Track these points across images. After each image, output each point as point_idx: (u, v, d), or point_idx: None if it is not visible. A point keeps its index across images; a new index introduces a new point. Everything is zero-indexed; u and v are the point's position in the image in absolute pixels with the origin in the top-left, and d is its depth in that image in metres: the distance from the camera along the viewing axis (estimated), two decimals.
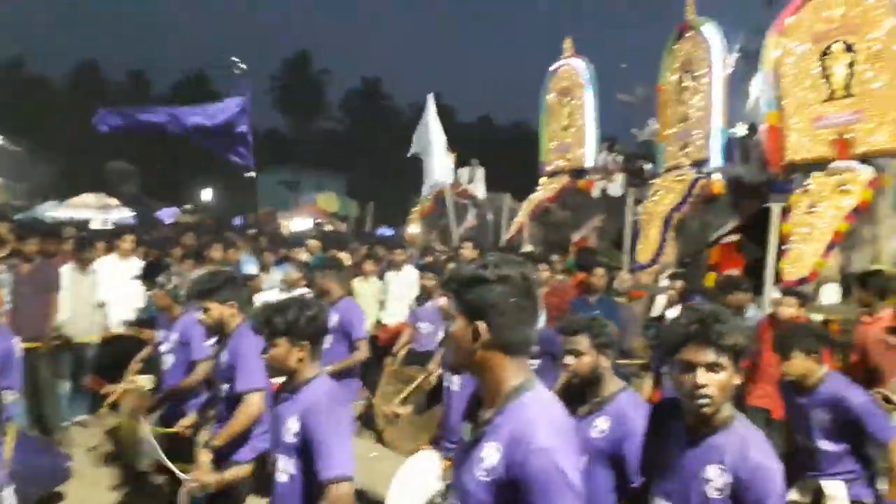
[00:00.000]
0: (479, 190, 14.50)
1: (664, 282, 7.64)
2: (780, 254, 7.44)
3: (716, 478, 2.05)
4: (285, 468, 2.52)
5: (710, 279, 8.91)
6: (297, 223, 21.86)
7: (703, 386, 2.05)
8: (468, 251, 8.72)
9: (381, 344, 7.38)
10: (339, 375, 4.80)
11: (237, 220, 19.37)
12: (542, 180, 12.64)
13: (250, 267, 8.46)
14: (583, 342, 2.87)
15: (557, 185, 12.23)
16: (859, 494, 3.44)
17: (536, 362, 4.00)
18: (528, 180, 13.16)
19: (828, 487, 3.43)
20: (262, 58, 54.86)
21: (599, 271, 6.63)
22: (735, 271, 9.13)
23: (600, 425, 2.75)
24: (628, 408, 2.77)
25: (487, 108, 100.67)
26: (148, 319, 6.05)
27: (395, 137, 47.70)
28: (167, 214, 21.39)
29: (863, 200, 7.34)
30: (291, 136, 53.40)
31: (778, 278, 7.04)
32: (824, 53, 7.92)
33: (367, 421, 6.62)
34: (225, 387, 3.58)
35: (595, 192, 12.34)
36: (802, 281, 7.05)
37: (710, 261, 10.00)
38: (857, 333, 5.34)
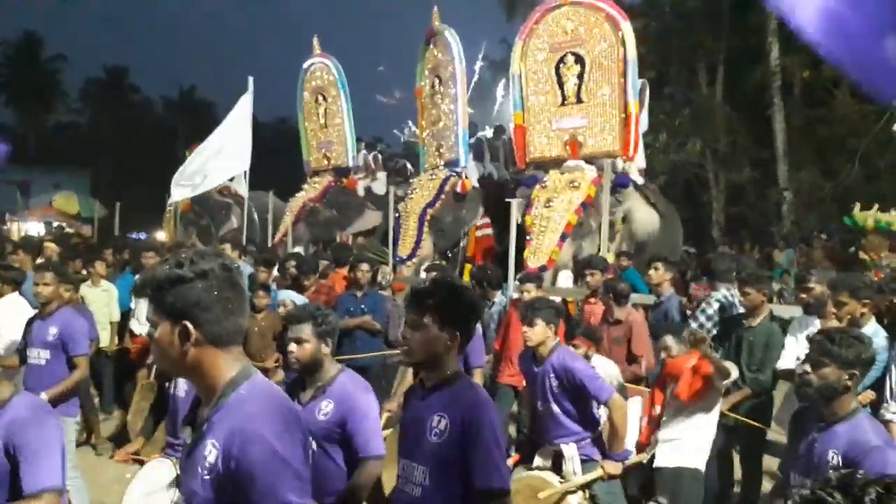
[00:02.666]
0: (242, 188, 14.00)
1: (423, 274, 8.04)
2: (524, 244, 8.23)
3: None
4: None
5: (467, 271, 9.59)
6: (30, 227, 19.42)
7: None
8: (229, 252, 8.40)
9: (133, 356, 6.87)
10: (58, 399, 4.38)
11: None
12: (309, 180, 12.61)
13: None
14: (306, 330, 2.99)
15: (321, 184, 12.28)
16: (589, 453, 3.95)
17: None
18: (291, 178, 12.99)
19: (564, 449, 3.90)
20: None
21: (364, 266, 6.80)
22: (488, 262, 9.90)
23: (324, 408, 2.91)
24: (349, 387, 2.96)
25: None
26: None
27: (146, 133, 44.36)
28: None
29: (588, 195, 8.38)
30: (20, 131, 47.06)
31: (522, 266, 7.76)
32: (560, 62, 8.89)
33: (121, 440, 6.13)
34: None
35: (360, 191, 12.57)
36: (542, 269, 7.86)
37: (468, 253, 10.74)
38: (585, 312, 6.18)
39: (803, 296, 4.82)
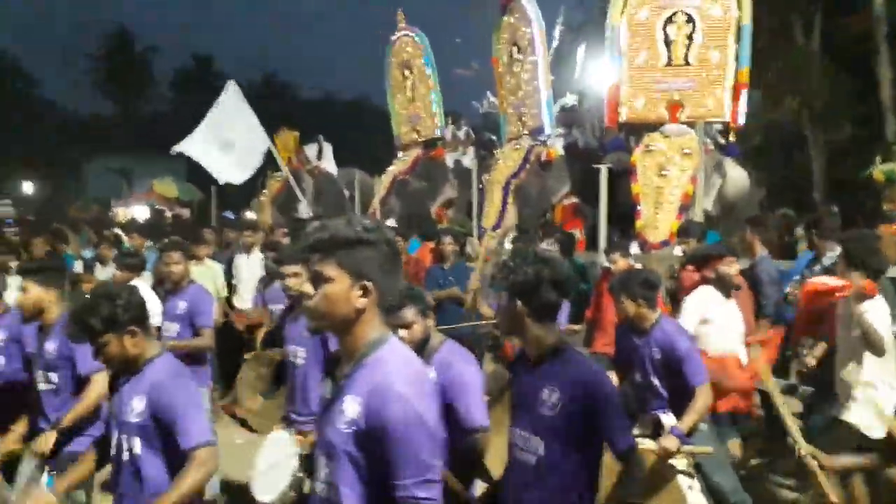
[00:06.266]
0: (331, 166, 14.32)
1: (508, 245, 8.02)
2: (634, 215, 7.99)
3: None
4: (131, 447, 2.54)
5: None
6: (133, 211, 20.56)
7: None
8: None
9: (240, 331, 7.18)
10: (182, 355, 4.68)
11: None
12: (399, 154, 12.77)
13: (76, 263, 7.88)
14: (409, 314, 3.06)
15: (411, 157, 12.40)
16: None
17: None
18: (373, 154, 13.17)
19: (663, 419, 3.84)
20: (78, 35, 50.43)
21: (447, 239, 6.85)
22: (576, 231, 9.76)
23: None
24: (451, 357, 3.06)
25: (327, 82, 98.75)
26: None
27: None
28: None
29: (698, 163, 8.05)
30: (118, 120, 49.57)
31: (626, 235, 7.56)
32: (668, 21, 8.45)
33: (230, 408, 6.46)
34: (52, 375, 3.56)
35: (449, 163, 12.63)
36: (665, 243, 7.66)
37: (555, 222, 10.63)
38: (682, 279, 5.98)
39: None
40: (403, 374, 1.68)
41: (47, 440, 3.40)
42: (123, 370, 2.69)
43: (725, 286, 4.43)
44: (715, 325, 4.39)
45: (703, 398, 3.75)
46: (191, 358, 4.86)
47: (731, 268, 4.40)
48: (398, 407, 1.62)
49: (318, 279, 1.74)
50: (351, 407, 1.68)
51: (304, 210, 12.55)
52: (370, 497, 1.66)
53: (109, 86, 50.75)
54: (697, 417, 3.74)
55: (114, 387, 2.78)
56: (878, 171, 9.08)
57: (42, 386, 3.63)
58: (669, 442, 3.53)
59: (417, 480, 1.60)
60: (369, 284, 1.72)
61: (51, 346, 3.55)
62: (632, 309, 3.90)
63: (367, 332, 1.75)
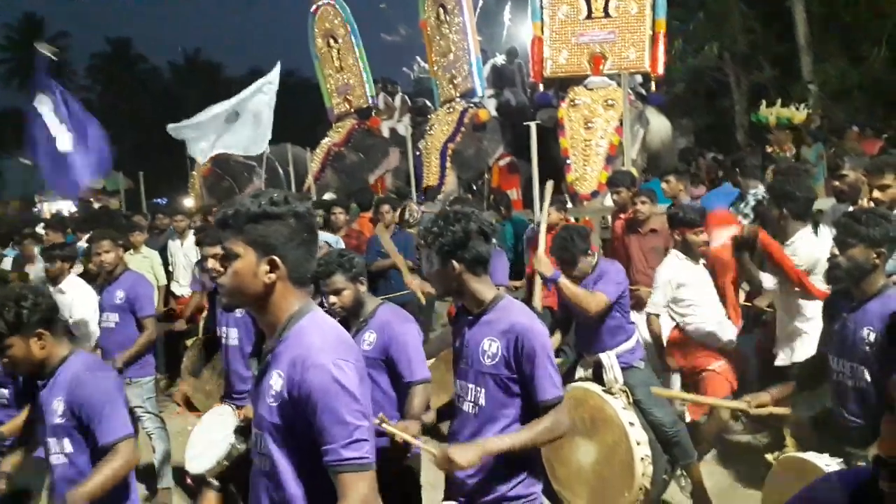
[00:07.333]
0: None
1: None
2: (563, 168, 8.10)
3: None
4: (60, 450, 2.55)
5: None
6: (59, 205, 19.79)
7: None
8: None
9: (180, 316, 7.06)
10: (131, 361, 4.64)
11: None
12: (334, 125, 12.59)
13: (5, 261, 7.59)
14: (338, 279, 3.11)
15: (345, 128, 12.24)
16: (628, 360, 4.03)
17: None
18: (305, 128, 12.95)
19: (603, 359, 3.99)
20: None
21: (385, 207, 6.84)
22: (513, 190, 9.85)
23: (367, 338, 3.10)
24: (388, 318, 3.14)
25: (252, 59, 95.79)
26: None
27: (156, 100, 44.21)
28: None
29: (622, 114, 8.20)
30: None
31: (561, 191, 7.67)
32: None
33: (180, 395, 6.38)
34: (3, 391, 3.51)
35: (384, 132, 12.53)
36: (595, 194, 7.79)
37: (493, 184, 10.71)
38: (615, 227, 6.14)
39: (836, 183, 4.70)
40: (320, 343, 1.70)
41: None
42: (34, 374, 2.64)
43: (693, 253, 4.48)
44: (690, 287, 4.42)
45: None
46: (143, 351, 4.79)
47: (699, 237, 4.45)
48: (315, 375, 1.65)
49: (227, 256, 1.75)
50: (276, 381, 1.71)
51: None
52: (304, 465, 1.71)
53: (23, 77, 48.22)
54: None
55: (32, 392, 2.72)
56: (771, 113, 9.44)
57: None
58: None
59: (345, 442, 1.63)
60: (277, 259, 1.72)
61: None
62: (585, 266, 4.05)
63: (284, 306, 1.77)
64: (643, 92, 9.15)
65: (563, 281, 3.94)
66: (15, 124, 43.17)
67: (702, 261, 4.52)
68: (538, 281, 4.49)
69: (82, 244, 7.43)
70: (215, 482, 2.08)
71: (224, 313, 3.86)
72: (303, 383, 1.65)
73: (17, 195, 24.60)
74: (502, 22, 14.67)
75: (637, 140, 8.50)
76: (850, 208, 4.54)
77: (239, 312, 3.65)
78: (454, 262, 2.41)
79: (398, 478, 2.90)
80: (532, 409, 2.39)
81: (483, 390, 2.42)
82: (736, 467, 4.59)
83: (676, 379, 4.63)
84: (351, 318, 3.17)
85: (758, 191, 5.59)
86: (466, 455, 2.26)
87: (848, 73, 15.64)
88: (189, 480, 3.34)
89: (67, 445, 2.53)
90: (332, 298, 3.12)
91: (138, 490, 2.79)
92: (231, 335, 3.83)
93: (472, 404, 2.46)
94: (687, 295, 4.42)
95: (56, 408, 2.52)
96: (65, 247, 5.87)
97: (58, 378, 2.56)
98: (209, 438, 3.15)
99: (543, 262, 4.01)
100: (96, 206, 17.36)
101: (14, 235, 8.92)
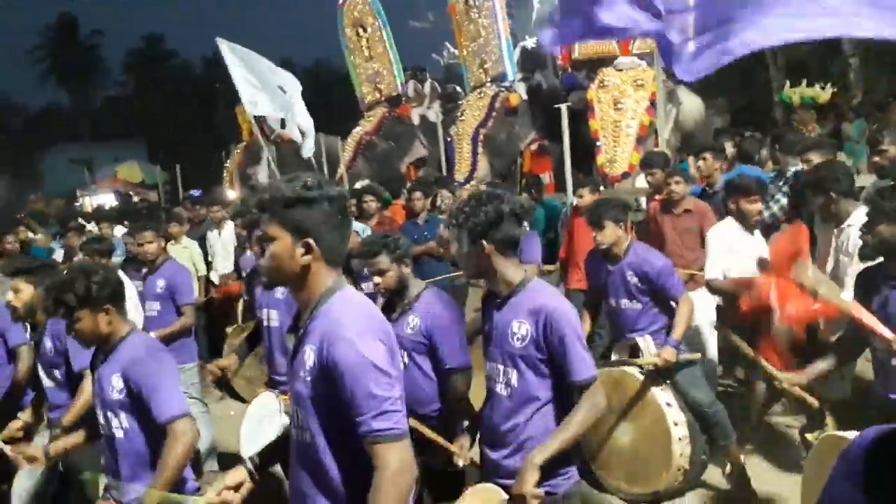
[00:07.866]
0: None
1: None
2: (594, 150, 8.01)
3: None
4: (119, 425, 2.62)
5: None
6: (99, 199, 20.25)
7: None
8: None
9: (219, 304, 7.21)
10: (169, 340, 4.74)
11: None
12: (365, 115, 12.62)
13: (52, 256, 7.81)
14: (383, 260, 3.12)
15: (376, 116, 12.28)
16: (664, 342, 3.97)
17: None
18: (336, 118, 13.01)
19: (640, 342, 3.95)
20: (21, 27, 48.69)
21: (416, 195, 6.86)
22: (545, 174, 9.79)
23: (411, 322, 3.11)
24: (431, 302, 3.14)
25: (286, 49, 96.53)
26: None
27: (190, 94, 44.81)
28: None
29: (653, 93, 8.07)
30: (75, 110, 48.30)
31: (591, 173, 7.61)
32: None
33: (221, 382, 6.52)
34: (55, 372, 3.53)
35: (414, 119, 12.53)
36: (625, 175, 7.71)
37: (524, 169, 10.65)
38: (650, 209, 6.06)
39: (876, 159, 4.56)
40: (347, 319, 1.76)
41: (57, 447, 3.32)
42: (98, 349, 2.74)
43: (746, 222, 4.39)
44: (742, 254, 4.24)
45: (685, 306, 3.86)
46: (174, 336, 4.91)
47: (754, 206, 4.36)
48: (341, 348, 1.71)
49: (264, 239, 1.84)
50: (308, 356, 1.79)
51: (263, 179, 12.39)
52: (340, 437, 1.77)
53: (61, 75, 49.25)
54: (686, 325, 3.85)
55: (92, 367, 2.81)
56: (795, 93, 9.22)
57: (46, 383, 3.64)
58: (668, 353, 3.67)
59: (374, 413, 1.69)
60: (311, 242, 1.79)
61: (48, 344, 3.53)
62: (613, 233, 3.96)
63: (318, 284, 1.84)
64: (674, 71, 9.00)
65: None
66: (57, 121, 44.33)
67: (756, 231, 4.44)
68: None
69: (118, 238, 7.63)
70: (250, 462, 2.11)
71: (264, 295, 3.89)
72: (329, 357, 1.73)
73: (63, 192, 25.18)
74: (532, 4, 14.50)
75: (669, 119, 8.39)
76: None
77: (280, 294, 3.68)
78: (484, 243, 2.41)
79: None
80: (565, 389, 2.40)
81: (514, 371, 2.44)
82: (774, 450, 4.55)
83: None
84: (395, 299, 3.19)
85: (797, 168, 5.46)
86: (527, 485, 2.24)
87: (891, 45, 15.14)
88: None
89: (125, 420, 2.61)
90: (376, 279, 3.15)
91: None
92: (272, 317, 3.86)
93: (503, 386, 2.48)
94: (735, 264, 4.27)
95: (115, 383, 2.60)
96: (102, 241, 6.02)
97: (117, 354, 2.65)
98: (259, 423, 3.24)
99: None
100: (136, 199, 17.76)
101: (61, 229, 9.20)
